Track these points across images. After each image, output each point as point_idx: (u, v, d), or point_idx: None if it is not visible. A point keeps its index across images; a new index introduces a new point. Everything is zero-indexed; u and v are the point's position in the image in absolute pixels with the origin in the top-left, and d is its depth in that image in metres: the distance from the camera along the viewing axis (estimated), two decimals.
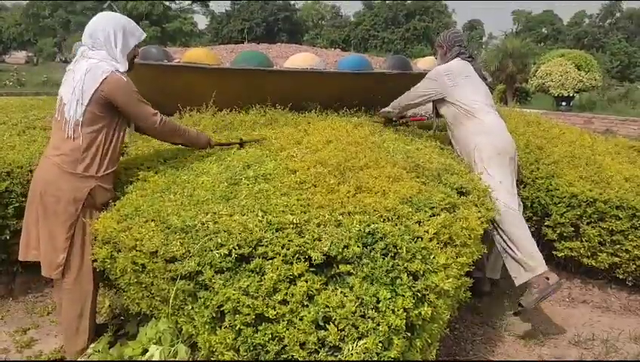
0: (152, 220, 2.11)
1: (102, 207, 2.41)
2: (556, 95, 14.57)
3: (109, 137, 2.42)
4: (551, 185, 3.48)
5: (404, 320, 1.65)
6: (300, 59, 3.89)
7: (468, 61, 3.38)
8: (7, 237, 2.96)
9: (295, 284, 1.73)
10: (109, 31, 2.40)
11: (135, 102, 2.41)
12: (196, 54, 3.75)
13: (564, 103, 14.63)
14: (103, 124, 2.39)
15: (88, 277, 2.42)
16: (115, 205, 2.37)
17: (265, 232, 1.89)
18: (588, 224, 3.36)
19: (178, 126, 2.68)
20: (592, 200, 3.32)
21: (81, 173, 2.35)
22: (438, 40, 3.56)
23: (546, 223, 3.52)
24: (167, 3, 38.61)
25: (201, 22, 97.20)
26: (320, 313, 1.65)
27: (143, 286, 2.11)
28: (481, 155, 3.08)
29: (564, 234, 3.45)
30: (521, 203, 3.25)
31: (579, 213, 3.36)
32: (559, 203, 3.42)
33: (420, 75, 4.47)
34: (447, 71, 3.32)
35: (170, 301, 1.92)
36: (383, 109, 3.80)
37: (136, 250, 2.02)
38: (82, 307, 2.43)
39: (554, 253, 3.51)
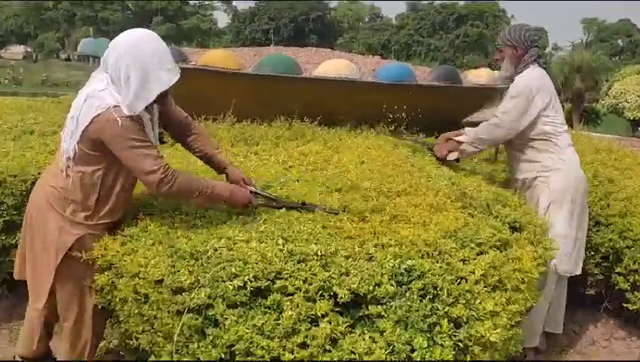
0: (160, 243, 2.16)
1: None
2: (632, 118, 14.36)
3: (107, 181, 2.28)
4: (623, 224, 3.42)
5: None
6: (332, 66, 3.95)
7: (544, 68, 3.27)
8: None
9: (317, 325, 1.74)
10: (123, 67, 2.12)
11: (126, 151, 2.15)
12: (215, 56, 3.84)
13: None
14: (99, 166, 2.25)
15: (88, 325, 2.45)
16: (122, 224, 2.43)
17: (285, 263, 1.92)
18: None
19: (195, 184, 2.29)
20: None
21: (69, 216, 2.29)
22: (506, 37, 3.27)
23: (617, 270, 3.44)
24: None
25: (222, 19, 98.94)
26: (344, 360, 1.66)
27: (145, 318, 2.14)
28: (550, 194, 3.11)
29: (639, 284, 3.38)
30: (583, 253, 3.26)
31: None
32: (633, 246, 3.36)
33: (472, 90, 4.51)
34: (538, 86, 3.16)
35: (175, 337, 1.95)
36: (465, 146, 3.39)
37: (140, 278, 2.06)
38: (79, 356, 2.48)
39: (625, 305, 3.44)
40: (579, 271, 3.21)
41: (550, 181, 3.15)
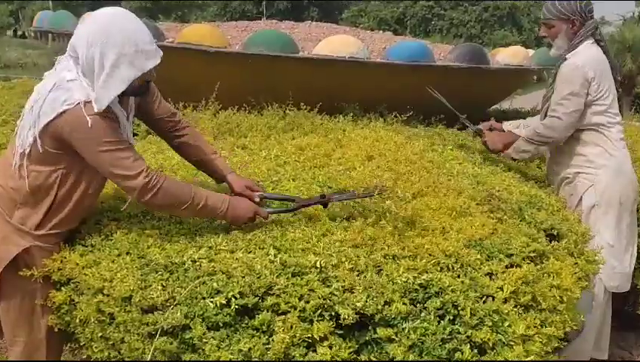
0: (127, 253, 2.16)
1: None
2: None
3: (65, 185, 2.25)
4: None
5: None
6: (335, 43, 3.94)
7: (600, 43, 3.25)
8: None
9: (315, 351, 1.75)
10: (95, 53, 2.08)
11: (99, 156, 2.14)
12: (197, 32, 3.84)
13: None
14: (57, 167, 2.22)
15: (41, 351, 2.43)
16: (81, 232, 2.43)
17: (277, 277, 1.91)
18: None
19: (186, 192, 2.23)
20: None
21: (16, 223, 2.27)
22: (558, 8, 3.20)
23: None
24: None
25: None
26: None
27: (110, 342, 2.14)
28: (595, 195, 3.10)
29: None
30: (633, 266, 3.24)
31: None
32: None
33: (502, 72, 4.50)
34: (592, 67, 3.12)
35: None
36: (519, 145, 3.35)
37: (104, 294, 2.06)
38: None
39: None
40: (628, 288, 3.21)
41: (596, 180, 3.15)
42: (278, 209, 2.40)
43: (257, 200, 2.39)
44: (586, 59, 3.13)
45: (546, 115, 3.28)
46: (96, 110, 2.09)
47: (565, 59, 3.19)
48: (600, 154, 3.17)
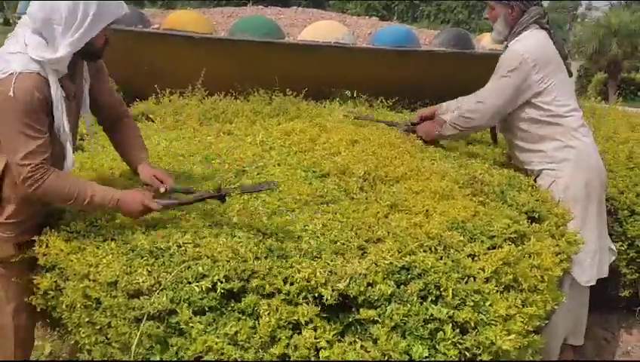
0: (112, 239, 2.16)
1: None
2: None
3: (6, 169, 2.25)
4: None
5: None
6: (321, 29, 3.95)
7: (546, 31, 3.12)
8: None
9: (300, 333, 1.76)
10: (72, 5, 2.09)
11: (7, 128, 2.10)
12: (182, 18, 3.85)
13: None
14: None
15: (8, 339, 2.44)
16: (63, 219, 2.43)
17: (262, 260, 1.93)
18: None
19: (70, 190, 2.21)
20: None
21: None
22: None
23: None
24: None
25: None
26: None
27: (97, 327, 2.15)
28: (558, 191, 3.00)
29: None
30: (614, 247, 3.24)
31: None
32: None
33: (486, 57, 4.52)
34: (533, 55, 2.98)
35: (133, 348, 1.96)
36: (444, 130, 3.26)
37: (90, 280, 2.07)
38: None
39: None
40: (605, 274, 3.17)
41: (558, 175, 3.04)
42: (171, 201, 2.32)
43: (163, 190, 2.35)
44: (527, 47, 3.01)
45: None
46: (54, 68, 2.12)
47: (507, 46, 3.10)
48: (558, 148, 3.05)
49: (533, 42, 3.03)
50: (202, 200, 2.31)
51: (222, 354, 1.74)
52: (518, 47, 3.03)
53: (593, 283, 3.07)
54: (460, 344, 1.76)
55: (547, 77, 3.00)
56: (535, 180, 3.08)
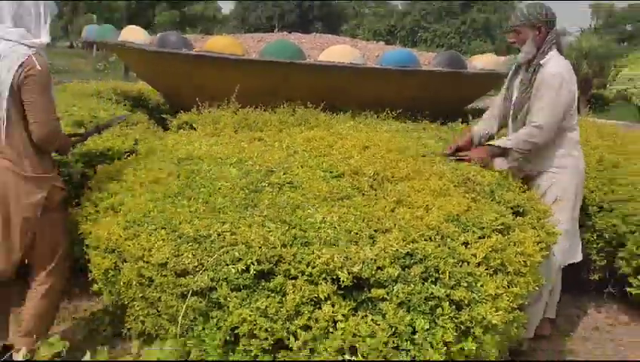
0: (163, 228, 2.19)
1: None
2: None
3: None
4: (627, 209, 3.42)
5: (444, 356, 1.67)
6: (336, 52, 3.95)
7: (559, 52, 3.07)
8: None
9: (320, 308, 1.77)
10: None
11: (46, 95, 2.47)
12: (219, 43, 3.86)
13: None
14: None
15: (68, 261, 2.72)
16: (121, 210, 2.46)
17: (288, 247, 1.94)
18: None
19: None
20: None
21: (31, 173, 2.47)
22: (526, 16, 3.01)
23: (619, 254, 3.46)
24: None
25: (226, 6, 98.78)
26: (347, 342, 1.69)
27: (149, 301, 2.18)
28: (557, 192, 3.06)
29: None
30: (579, 239, 3.26)
31: None
32: (636, 231, 3.36)
33: (477, 76, 4.50)
34: (569, 73, 2.97)
35: (179, 319, 1.98)
36: (510, 159, 3.06)
37: (144, 261, 2.10)
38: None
39: (628, 289, 3.45)
40: (580, 258, 3.21)
41: (557, 178, 3.07)
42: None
43: None
44: (561, 67, 2.96)
45: (517, 119, 3.13)
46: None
47: (540, 65, 2.99)
48: (563, 156, 3.07)
49: (565, 64, 3.01)
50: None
51: (255, 324, 1.76)
52: (554, 69, 2.95)
53: (569, 262, 3.17)
54: (456, 318, 1.77)
55: (574, 94, 3.01)
56: (528, 179, 3.13)
